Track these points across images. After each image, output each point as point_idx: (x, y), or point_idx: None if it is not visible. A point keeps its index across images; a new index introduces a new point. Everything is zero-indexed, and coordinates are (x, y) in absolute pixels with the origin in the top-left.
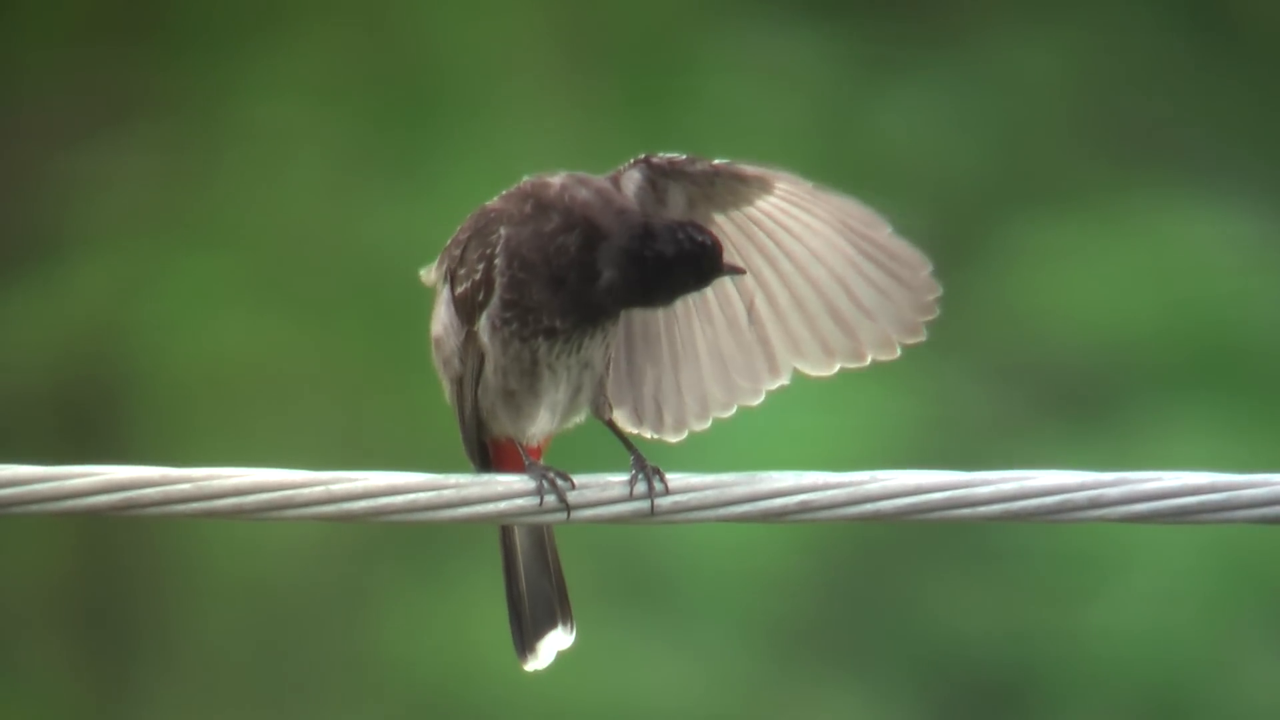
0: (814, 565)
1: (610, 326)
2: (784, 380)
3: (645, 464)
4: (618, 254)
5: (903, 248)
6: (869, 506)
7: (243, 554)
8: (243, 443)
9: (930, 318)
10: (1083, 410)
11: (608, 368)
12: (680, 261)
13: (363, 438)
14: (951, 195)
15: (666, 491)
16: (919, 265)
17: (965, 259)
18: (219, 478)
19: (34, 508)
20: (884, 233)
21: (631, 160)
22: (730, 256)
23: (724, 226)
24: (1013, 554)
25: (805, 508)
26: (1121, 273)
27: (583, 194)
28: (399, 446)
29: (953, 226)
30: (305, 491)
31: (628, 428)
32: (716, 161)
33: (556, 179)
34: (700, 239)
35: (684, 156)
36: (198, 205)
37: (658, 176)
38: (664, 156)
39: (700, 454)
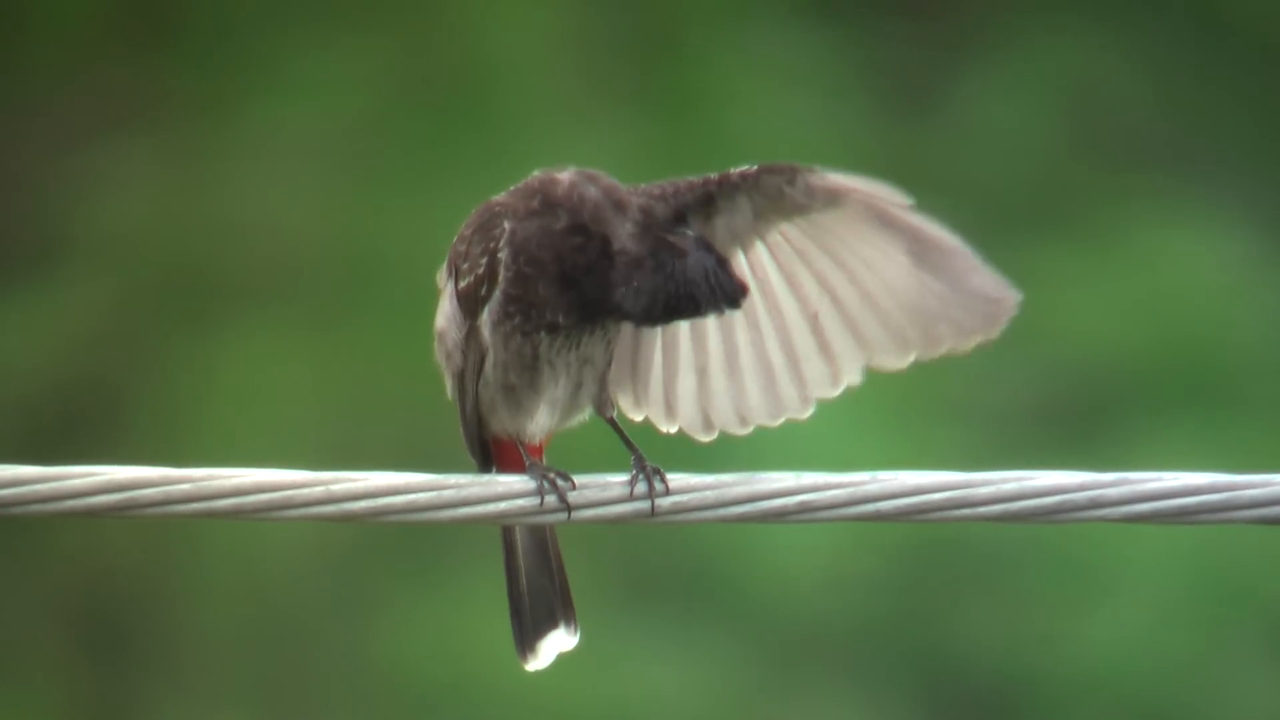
0: (814, 570)
1: (612, 325)
2: (855, 380)
3: (646, 464)
4: (647, 290)
5: (985, 275)
6: (869, 507)
7: (242, 555)
8: (243, 443)
9: (1009, 317)
10: (1077, 427)
11: (609, 365)
12: (710, 306)
13: (363, 438)
14: (948, 214)
15: (667, 491)
16: (1002, 289)
17: None
18: (219, 478)
19: (34, 508)
20: (965, 261)
21: (702, 179)
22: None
23: (787, 233)
24: (1011, 561)
25: (805, 508)
26: (1115, 290)
27: (591, 192)
28: (399, 447)
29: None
30: (305, 492)
31: (640, 416)
32: (801, 166)
33: (565, 175)
34: (734, 291)
35: (756, 167)
36: (202, 207)
37: (722, 193)
38: (740, 170)
39: (701, 454)
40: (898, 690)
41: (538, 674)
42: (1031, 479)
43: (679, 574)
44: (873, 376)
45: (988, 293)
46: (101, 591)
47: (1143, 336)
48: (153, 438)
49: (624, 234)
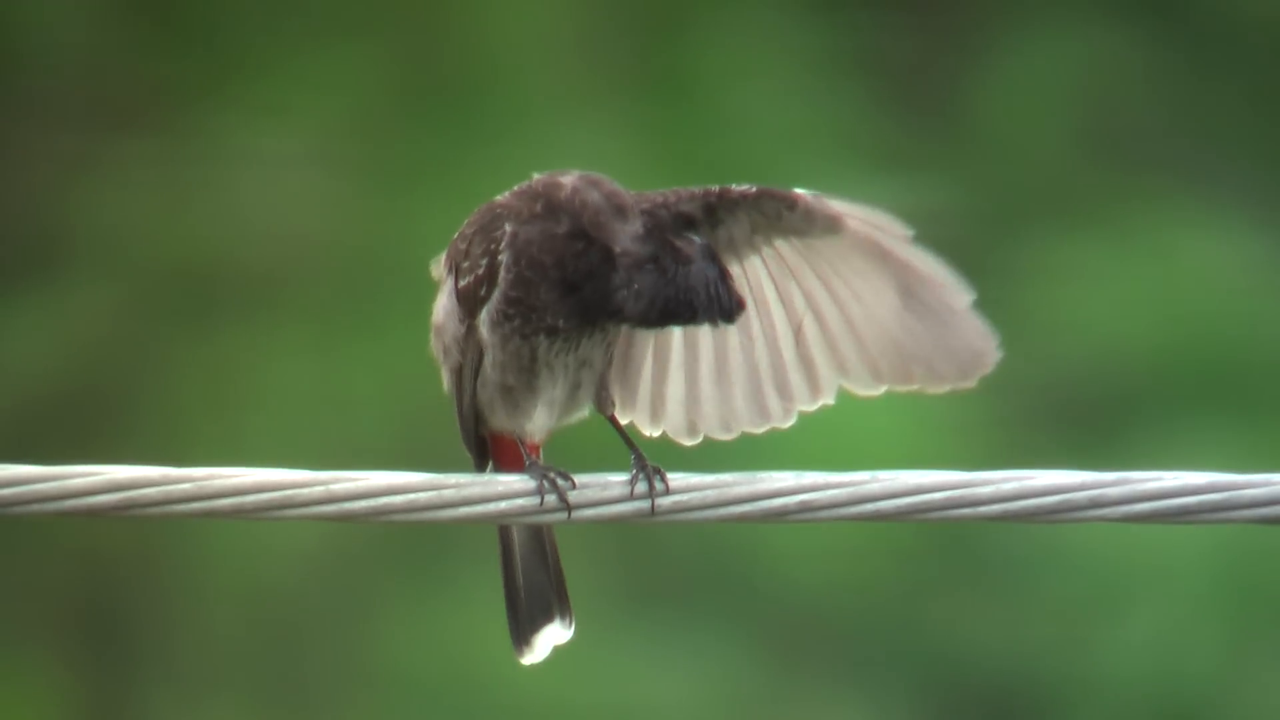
0: (816, 570)
1: (612, 328)
2: (830, 399)
3: (646, 463)
4: (647, 292)
5: (972, 320)
6: (869, 506)
7: (244, 555)
8: (243, 443)
9: (985, 372)
10: (1088, 426)
11: (609, 366)
12: (706, 316)
13: (363, 438)
14: (959, 209)
15: (667, 491)
16: (986, 340)
17: (973, 274)
18: (219, 477)
19: (34, 508)
20: (960, 300)
21: (703, 190)
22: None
23: (781, 250)
24: (1019, 562)
25: (806, 507)
26: (1128, 288)
27: (594, 197)
28: (399, 446)
29: (961, 241)
30: (305, 491)
31: (626, 419)
32: (802, 193)
33: (568, 179)
34: (730, 306)
35: (755, 188)
36: (203, 208)
37: (722, 205)
38: (739, 189)
39: (701, 454)
40: (901, 691)
41: (539, 675)
42: (1031, 478)
43: (679, 574)
44: None
45: (971, 340)
46: (102, 591)
47: (1152, 334)
48: (153, 437)
49: (626, 237)
